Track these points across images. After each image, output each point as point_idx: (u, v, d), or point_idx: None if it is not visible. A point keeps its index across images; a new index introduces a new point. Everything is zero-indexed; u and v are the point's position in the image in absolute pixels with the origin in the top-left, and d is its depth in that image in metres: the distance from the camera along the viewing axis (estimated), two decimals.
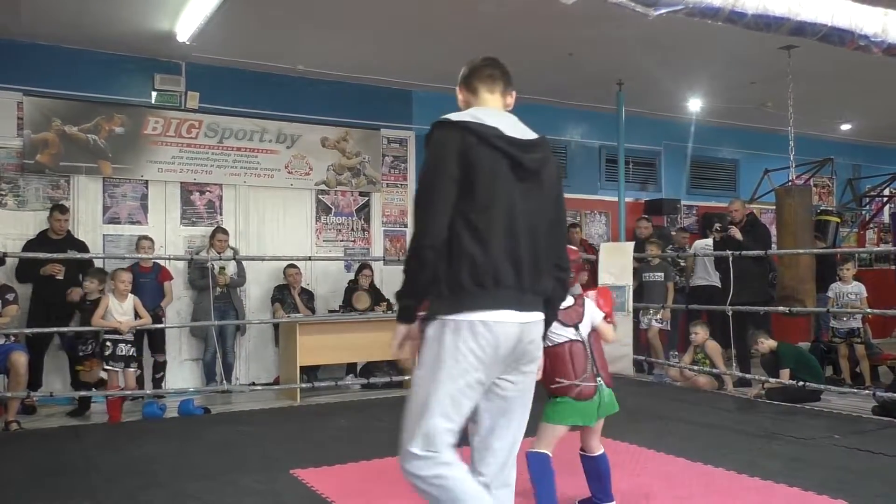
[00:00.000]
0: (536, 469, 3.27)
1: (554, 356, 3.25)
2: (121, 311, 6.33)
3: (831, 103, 9.72)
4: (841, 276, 7.48)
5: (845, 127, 11.34)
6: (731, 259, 7.18)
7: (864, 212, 12.27)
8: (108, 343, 6.31)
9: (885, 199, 12.21)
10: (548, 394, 3.32)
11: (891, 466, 4.35)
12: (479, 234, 2.23)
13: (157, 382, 7.14)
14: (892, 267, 11.49)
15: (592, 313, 3.42)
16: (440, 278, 2.23)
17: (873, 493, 3.81)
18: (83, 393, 6.20)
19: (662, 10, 1.41)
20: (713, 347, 7.32)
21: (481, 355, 2.21)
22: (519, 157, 2.31)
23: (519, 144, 2.33)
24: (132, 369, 6.40)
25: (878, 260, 12.17)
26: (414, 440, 2.20)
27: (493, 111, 2.43)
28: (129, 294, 6.44)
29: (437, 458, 2.18)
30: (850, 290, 7.37)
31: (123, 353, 6.31)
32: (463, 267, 2.21)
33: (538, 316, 2.35)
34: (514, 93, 2.56)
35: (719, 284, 7.93)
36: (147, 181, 7.67)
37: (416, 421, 2.21)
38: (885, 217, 12.56)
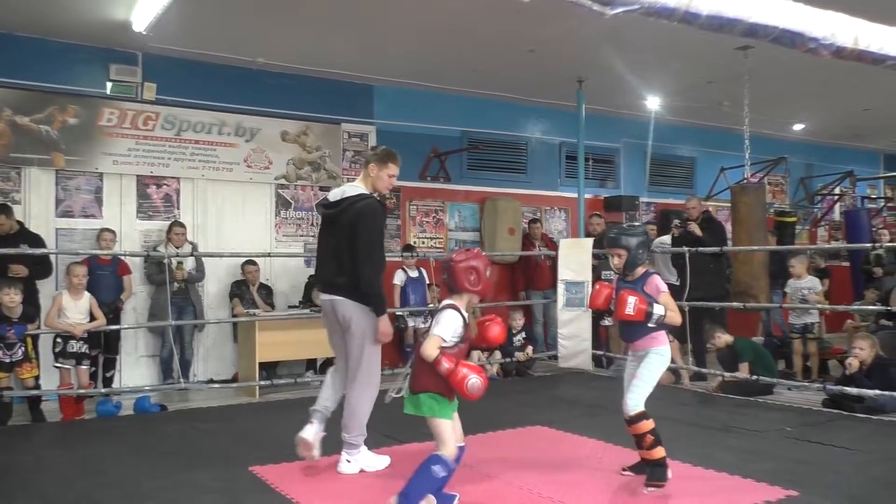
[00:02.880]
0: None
1: None
2: (75, 310, 6.18)
3: (785, 104, 9.93)
4: (791, 271, 7.58)
5: (798, 127, 11.59)
6: (688, 255, 7.29)
7: (815, 210, 12.58)
8: (59, 339, 6.17)
9: (836, 197, 12.53)
10: None
11: (840, 457, 4.47)
12: None
13: (108, 381, 7.01)
14: (843, 264, 11.79)
15: (438, 322, 3.32)
16: None
17: (823, 484, 3.91)
18: (33, 392, 6.03)
19: (619, 10, 1.43)
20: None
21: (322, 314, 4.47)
22: (326, 213, 4.35)
23: (328, 206, 4.34)
24: (84, 367, 6.27)
25: (830, 257, 12.47)
26: None
27: (345, 185, 4.57)
28: (85, 292, 6.29)
29: None
30: (803, 284, 7.48)
31: (75, 350, 6.18)
32: None
33: (335, 297, 4.22)
34: (370, 166, 4.34)
35: (677, 283, 8.04)
36: (102, 174, 7.51)
37: None
38: (836, 215, 12.89)
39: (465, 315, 3.36)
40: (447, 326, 3.28)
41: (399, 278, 8.35)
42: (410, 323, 8.34)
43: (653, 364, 3.91)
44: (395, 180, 4.41)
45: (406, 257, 8.36)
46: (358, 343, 4.19)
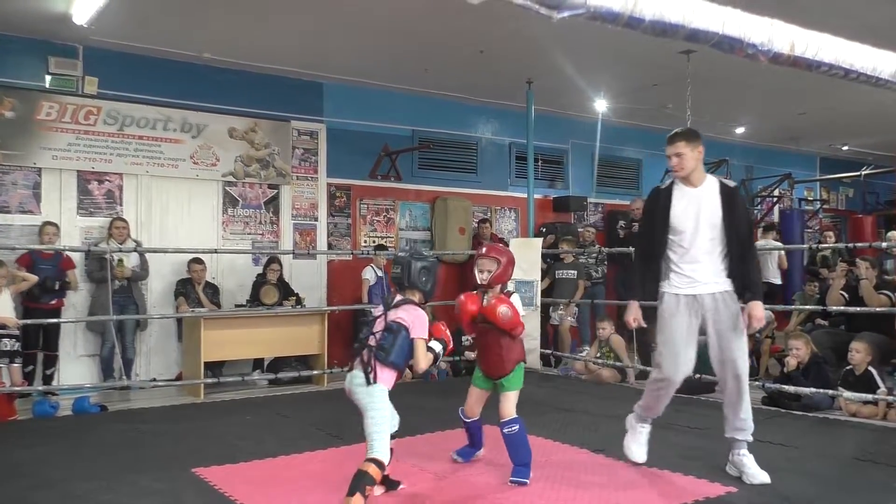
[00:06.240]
0: None
1: None
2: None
3: (727, 107, 10.17)
4: None
5: (739, 130, 11.88)
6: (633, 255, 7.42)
7: (756, 211, 12.92)
8: None
9: (775, 199, 12.89)
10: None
11: (777, 454, 4.61)
12: None
13: (48, 379, 6.81)
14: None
15: None
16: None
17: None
18: None
19: (566, 13, 1.45)
20: (618, 341, 7.55)
21: None
22: None
23: None
24: (17, 364, 6.09)
25: None
26: None
27: None
28: (4, 289, 6.11)
29: None
30: None
31: (7, 348, 6.00)
32: None
33: None
34: None
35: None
36: (40, 169, 7.28)
37: None
38: (775, 216, 13.27)
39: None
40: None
41: (369, 274, 8.33)
42: None
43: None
44: (676, 159, 4.24)
45: (378, 255, 8.37)
46: None
